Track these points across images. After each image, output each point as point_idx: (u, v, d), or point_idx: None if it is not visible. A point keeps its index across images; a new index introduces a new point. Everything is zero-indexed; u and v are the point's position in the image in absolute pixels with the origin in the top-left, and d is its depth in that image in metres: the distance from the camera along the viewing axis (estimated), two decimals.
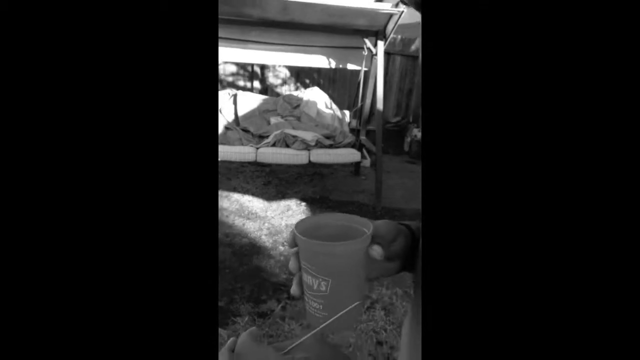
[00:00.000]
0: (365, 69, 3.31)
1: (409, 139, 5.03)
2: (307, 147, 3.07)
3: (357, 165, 3.80)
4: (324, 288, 0.35)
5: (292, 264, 0.37)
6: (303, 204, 3.08)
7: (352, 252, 0.35)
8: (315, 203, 3.11)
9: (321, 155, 3.07)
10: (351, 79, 4.85)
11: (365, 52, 3.13)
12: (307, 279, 0.35)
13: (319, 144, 3.13)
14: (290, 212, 2.88)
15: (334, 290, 0.34)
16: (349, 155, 3.20)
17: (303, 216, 2.47)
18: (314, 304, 0.36)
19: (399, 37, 5.05)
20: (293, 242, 0.36)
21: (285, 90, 5.06)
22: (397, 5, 2.72)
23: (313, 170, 3.83)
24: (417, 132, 4.92)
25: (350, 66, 3.53)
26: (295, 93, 4.13)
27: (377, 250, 0.35)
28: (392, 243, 0.38)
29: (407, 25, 3.51)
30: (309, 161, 3.06)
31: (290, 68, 5.02)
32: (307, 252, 0.35)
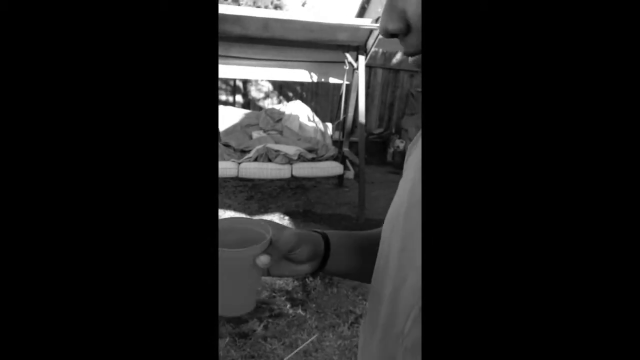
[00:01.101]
0: (347, 82, 3.35)
1: (391, 150, 5.09)
2: (289, 161, 3.07)
3: (340, 177, 3.82)
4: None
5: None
6: (286, 217, 3.06)
7: (244, 258, 0.39)
8: (299, 216, 3.10)
9: (304, 169, 3.08)
10: (334, 92, 4.90)
11: (347, 67, 3.18)
12: None
13: (301, 158, 3.14)
14: None
15: (223, 291, 0.37)
16: (332, 168, 3.21)
17: None
18: None
19: (380, 50, 5.15)
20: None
21: (268, 103, 5.07)
22: (377, 20, 2.78)
23: (296, 184, 3.83)
24: (399, 143, 4.99)
25: (332, 80, 3.57)
26: (277, 107, 4.15)
27: (262, 260, 0.39)
28: (293, 251, 0.42)
29: (388, 40, 3.57)
30: (292, 175, 3.06)
31: (273, 82, 5.05)
32: None
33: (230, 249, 0.38)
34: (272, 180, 3.20)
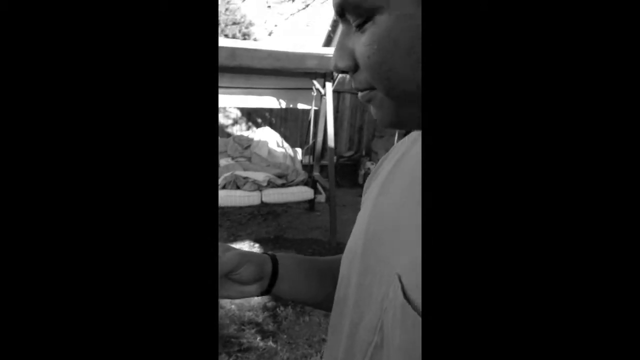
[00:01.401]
0: (316, 108, 3.41)
1: (362, 172, 5.17)
2: (258, 187, 3.06)
3: (311, 201, 3.82)
4: None
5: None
6: (256, 245, 3.01)
7: None
8: (269, 243, 3.06)
9: (273, 195, 3.06)
10: (303, 117, 4.97)
11: (315, 93, 3.24)
12: None
13: (271, 184, 3.13)
14: None
15: None
16: (302, 193, 3.22)
17: None
18: None
19: (348, 76, 5.30)
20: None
21: (236, 130, 5.07)
22: None
23: (267, 210, 3.79)
24: (369, 165, 5.08)
25: (301, 106, 3.63)
26: (245, 133, 4.15)
27: None
28: (235, 271, 0.42)
29: None
30: (262, 202, 3.03)
31: (241, 108, 5.07)
32: None
33: None
34: (241, 208, 3.16)
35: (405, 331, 0.29)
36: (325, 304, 0.47)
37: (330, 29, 8.30)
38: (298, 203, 3.85)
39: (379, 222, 0.37)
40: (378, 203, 0.39)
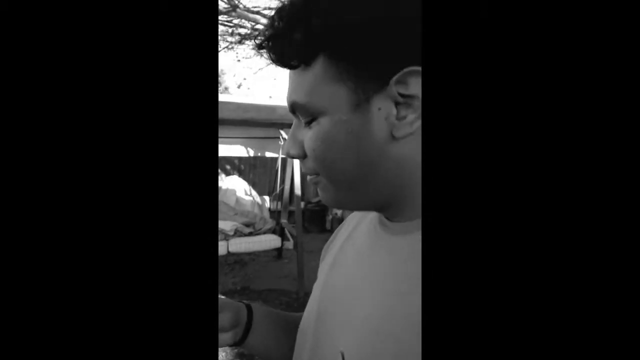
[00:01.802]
0: (283, 156, 3.49)
1: (330, 217, 5.22)
2: (225, 237, 3.01)
3: (279, 249, 3.78)
4: None
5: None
6: (222, 297, 2.90)
7: None
8: (236, 295, 2.96)
9: (240, 245, 3.02)
10: (271, 165, 5.04)
11: (282, 142, 3.34)
12: None
13: (238, 233, 3.09)
14: None
15: None
16: (269, 241, 3.19)
17: None
18: None
19: None
20: None
21: None
22: None
23: (234, 259, 3.70)
24: (336, 211, 5.14)
25: (269, 154, 3.71)
26: None
27: None
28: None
29: None
30: (228, 251, 2.97)
31: None
32: None
33: None
34: None
35: None
36: None
37: None
38: (266, 251, 3.80)
39: (330, 297, 0.40)
40: (329, 278, 0.42)
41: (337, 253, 0.44)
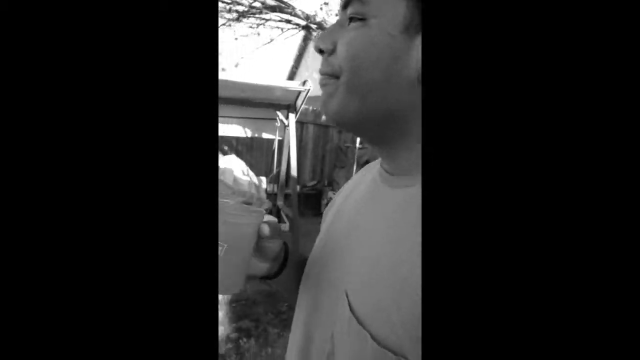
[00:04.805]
0: (280, 138, 3.49)
1: (325, 201, 5.26)
2: None
3: None
4: (221, 253, 0.36)
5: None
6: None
7: (249, 224, 0.37)
8: None
9: None
10: (268, 146, 5.03)
11: (278, 124, 3.34)
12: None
13: None
14: None
15: (225, 257, 0.36)
16: None
17: None
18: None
19: (311, 108, 5.48)
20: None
21: None
22: (304, 83, 3.00)
23: None
24: (331, 194, 5.18)
25: (266, 135, 3.70)
26: None
27: (264, 230, 0.40)
28: (270, 239, 0.42)
29: (317, 98, 3.85)
30: None
31: None
32: (220, 214, 0.35)
33: (234, 210, 0.34)
34: None
35: (351, 342, 0.33)
36: None
37: (293, 64, 8.61)
38: None
39: (332, 245, 0.43)
40: (331, 229, 0.45)
41: (338, 210, 0.46)
